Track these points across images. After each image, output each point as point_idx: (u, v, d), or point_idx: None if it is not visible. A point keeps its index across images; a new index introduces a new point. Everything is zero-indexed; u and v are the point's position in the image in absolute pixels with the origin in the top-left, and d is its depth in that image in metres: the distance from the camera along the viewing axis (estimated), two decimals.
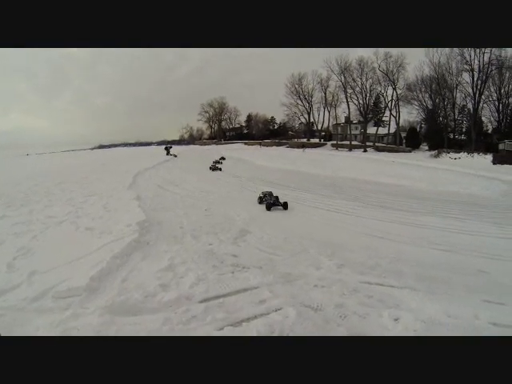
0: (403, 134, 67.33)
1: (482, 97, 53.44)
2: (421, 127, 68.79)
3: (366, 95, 67.60)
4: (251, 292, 3.90)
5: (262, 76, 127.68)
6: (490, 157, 43.91)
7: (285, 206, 8.63)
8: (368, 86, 67.55)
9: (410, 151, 59.28)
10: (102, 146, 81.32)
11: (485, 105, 54.87)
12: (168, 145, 43.06)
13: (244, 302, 3.64)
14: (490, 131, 58.32)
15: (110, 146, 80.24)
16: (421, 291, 4.24)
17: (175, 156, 29.42)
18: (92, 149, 68.90)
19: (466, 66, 54.33)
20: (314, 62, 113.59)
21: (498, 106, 53.87)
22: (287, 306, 3.61)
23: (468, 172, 29.21)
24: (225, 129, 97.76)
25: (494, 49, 50.86)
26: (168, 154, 37.48)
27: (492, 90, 53.61)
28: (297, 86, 77.44)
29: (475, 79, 53.33)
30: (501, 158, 42.53)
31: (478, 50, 51.97)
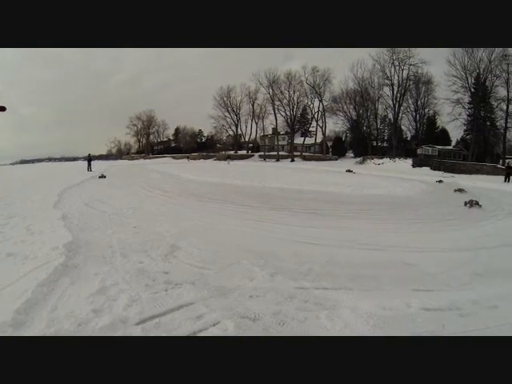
0: (330, 143, 70.65)
1: (401, 108, 60.12)
2: (346, 136, 72.77)
3: (293, 107, 70.24)
4: (187, 308, 3.87)
5: (191, 88, 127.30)
6: (410, 161, 47.68)
7: None
8: (295, 99, 70.26)
9: (337, 159, 62.48)
10: (24, 161, 75.87)
11: (404, 115, 61.71)
12: (89, 157, 36.08)
13: (181, 320, 3.60)
14: (409, 138, 63.98)
15: (33, 161, 74.98)
16: (355, 290, 4.50)
17: (103, 177, 22.24)
18: (13, 164, 64.11)
19: (386, 81, 60.38)
20: (243, 75, 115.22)
21: (416, 115, 60.50)
22: (224, 318, 3.63)
23: (391, 176, 31.05)
24: (153, 142, 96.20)
25: (411, 66, 56.69)
26: (89, 168, 32.92)
27: (410, 101, 60.70)
28: (225, 98, 78.33)
29: (395, 92, 59.55)
30: (419, 162, 46.48)
31: (397, 67, 58.08)
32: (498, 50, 47.19)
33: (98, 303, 3.94)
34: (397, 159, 50.99)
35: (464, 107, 52.15)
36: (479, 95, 50.06)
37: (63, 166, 49.34)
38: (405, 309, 3.99)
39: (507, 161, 43.02)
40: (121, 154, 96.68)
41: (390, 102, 61.27)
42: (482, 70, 50.00)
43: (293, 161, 64.78)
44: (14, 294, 4.03)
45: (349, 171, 36.61)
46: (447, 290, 4.65)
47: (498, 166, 39.65)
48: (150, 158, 79.34)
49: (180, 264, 5.36)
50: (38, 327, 3.40)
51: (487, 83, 50.49)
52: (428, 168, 42.86)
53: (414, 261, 5.81)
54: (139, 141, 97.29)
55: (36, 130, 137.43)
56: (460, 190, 17.85)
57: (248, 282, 4.67)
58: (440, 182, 23.63)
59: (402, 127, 64.11)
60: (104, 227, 7.82)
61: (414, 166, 46.09)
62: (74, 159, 76.87)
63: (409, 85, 59.04)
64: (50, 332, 3.31)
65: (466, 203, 12.81)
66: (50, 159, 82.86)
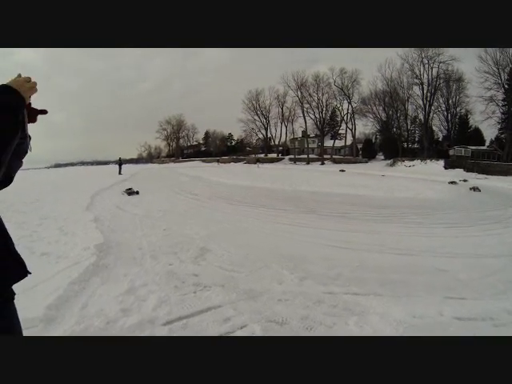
0: (359, 146, 69.95)
1: (432, 108, 58.01)
2: (376, 138, 71.69)
3: (322, 109, 69.99)
4: (215, 311, 3.85)
5: (220, 93, 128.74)
6: (441, 162, 46.40)
7: None
8: (324, 101, 69.96)
9: (367, 162, 61.65)
10: (58, 165, 78.15)
11: (435, 115, 59.65)
12: (119, 161, 36.69)
13: (208, 322, 3.59)
14: (440, 139, 62.16)
15: (66, 165, 77.20)
16: (384, 296, 4.36)
17: (137, 193, 15.49)
18: (48, 167, 66.10)
19: (416, 80, 58.75)
20: (272, 79, 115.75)
21: (447, 115, 58.37)
22: (252, 322, 3.59)
23: (422, 178, 30.52)
24: (183, 146, 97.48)
25: (441, 63, 54.63)
26: (120, 171, 33.36)
27: (441, 101, 58.46)
28: (254, 102, 78.79)
29: (425, 92, 57.72)
30: (452, 163, 45.18)
31: (426, 66, 56.03)
32: None
33: (127, 303, 3.99)
34: (428, 161, 49.66)
35: (498, 105, 49.50)
36: None
37: (95, 169, 50.57)
38: (437, 317, 3.85)
39: None
40: (151, 157, 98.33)
41: (420, 102, 59.52)
42: None
43: (323, 164, 64.35)
44: (46, 290, 4.13)
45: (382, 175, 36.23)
46: (480, 298, 4.47)
47: None
48: (180, 162, 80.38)
49: (209, 266, 5.37)
50: (68, 323, 3.47)
51: None
52: (461, 169, 41.67)
53: (447, 267, 5.62)
54: (169, 145, 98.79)
55: (68, 135, 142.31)
56: (495, 192, 17.34)
57: (277, 285, 4.62)
58: (474, 187, 22.88)
59: (433, 128, 62.21)
60: (134, 229, 7.95)
61: (446, 168, 44.85)
62: (106, 163, 78.70)
63: (439, 83, 57.09)
64: (80, 328, 3.37)
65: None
66: (82, 163, 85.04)
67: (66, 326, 3.40)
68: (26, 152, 1.51)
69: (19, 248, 1.64)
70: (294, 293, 4.37)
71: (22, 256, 1.63)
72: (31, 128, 1.49)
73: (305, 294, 4.36)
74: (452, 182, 25.27)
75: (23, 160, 1.54)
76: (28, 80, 1.49)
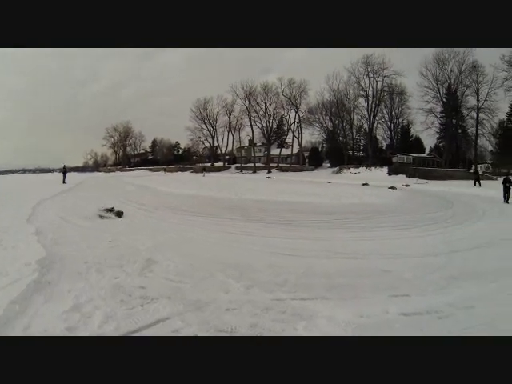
0: (306, 154, 71.51)
1: (376, 118, 62.57)
2: (322, 147, 74.02)
3: (269, 118, 71.36)
4: (163, 323, 3.85)
5: (168, 100, 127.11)
6: (385, 169, 48.84)
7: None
8: (272, 110, 71.45)
9: (313, 169, 63.53)
10: None
11: (379, 125, 64.47)
12: (64, 168, 34.72)
13: (157, 335, 3.57)
14: (384, 147, 65.79)
15: (6, 172, 72.47)
16: (332, 299, 4.57)
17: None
18: None
19: (361, 92, 62.44)
20: (222, 88, 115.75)
21: (390, 125, 62.94)
22: (201, 332, 3.62)
23: (367, 184, 31.57)
24: (130, 155, 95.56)
25: (385, 77, 59.27)
26: (64, 180, 32.35)
27: (384, 112, 63.29)
28: (202, 110, 78.87)
29: (370, 103, 61.81)
30: (395, 170, 47.67)
31: (372, 79, 60.28)
32: (468, 62, 49.57)
33: (73, 320, 3.87)
34: (373, 168, 52.36)
35: (436, 116, 55.69)
36: (451, 105, 53.31)
37: (37, 177, 48.36)
38: (383, 315, 4.08)
39: (472, 166, 44.85)
40: (97, 166, 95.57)
41: (365, 113, 63.42)
42: (452, 81, 53.34)
43: (270, 172, 65.08)
44: None
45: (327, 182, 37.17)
46: (424, 294, 4.79)
47: (470, 171, 41.06)
48: (126, 171, 78.71)
49: (156, 278, 5.33)
50: None
51: (458, 93, 53.81)
52: (403, 175, 43.97)
53: (391, 267, 5.95)
54: (116, 153, 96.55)
55: (8, 136, 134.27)
56: (434, 196, 18.39)
57: (223, 294, 4.68)
58: (411, 188, 24.41)
59: (378, 137, 66.40)
60: (79, 241, 7.69)
61: (389, 174, 47.22)
62: (49, 170, 75.32)
63: (383, 96, 61.24)
64: None
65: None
66: (24, 170, 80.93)
67: None
68: None
69: None
70: (241, 301, 4.45)
71: None
72: None
73: (252, 301, 4.45)
74: (392, 187, 26.57)
75: None
76: None
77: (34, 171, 79.66)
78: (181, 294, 4.69)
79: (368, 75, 61.27)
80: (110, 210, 11.68)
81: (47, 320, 3.91)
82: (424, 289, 4.98)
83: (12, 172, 76.23)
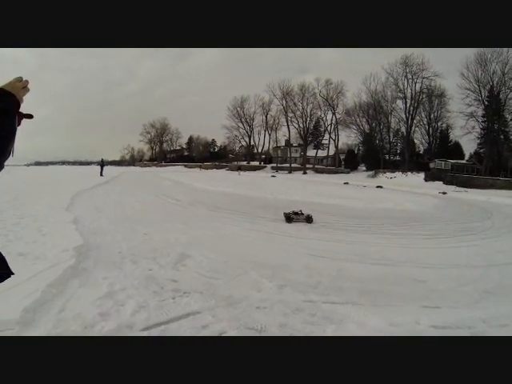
0: (342, 156, 70.53)
1: (414, 121, 60.21)
2: (358, 149, 72.79)
3: (306, 119, 70.77)
4: (193, 317, 3.85)
5: (205, 99, 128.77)
6: (422, 175, 47.41)
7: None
8: (308, 111, 70.92)
9: (349, 172, 62.59)
10: (38, 163, 76.64)
11: (416, 128, 61.75)
12: (102, 162, 35.88)
13: (186, 328, 3.58)
14: (421, 152, 63.49)
15: (47, 164, 75.69)
16: (363, 305, 4.44)
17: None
18: (28, 165, 64.72)
19: (399, 94, 60.31)
20: (258, 87, 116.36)
21: (428, 129, 60.26)
22: (230, 329, 3.60)
23: (403, 189, 30.92)
24: (166, 150, 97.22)
25: (424, 79, 56.34)
26: (102, 173, 33.09)
27: (423, 115, 60.64)
28: (239, 109, 79.29)
29: (408, 106, 59.64)
30: (432, 176, 46.21)
31: (410, 80, 57.82)
32: (511, 63, 46.91)
33: (106, 307, 3.94)
34: (409, 173, 50.89)
35: (477, 120, 52.47)
36: (493, 108, 49.90)
37: (76, 170, 49.94)
38: (413, 325, 3.93)
39: None
40: (134, 160, 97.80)
41: (403, 116, 61.58)
42: (495, 83, 50.05)
43: (305, 173, 64.86)
44: (23, 293, 4.05)
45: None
46: (456, 307, 4.59)
47: None
48: (162, 166, 79.97)
49: (189, 272, 5.35)
50: (44, 327, 3.42)
51: (501, 96, 50.34)
52: (441, 182, 42.66)
53: (424, 277, 5.75)
54: (152, 148, 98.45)
55: (51, 133, 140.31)
56: (472, 205, 17.75)
57: (255, 293, 4.64)
58: (449, 196, 23.49)
59: (415, 141, 64.30)
60: (114, 232, 7.88)
61: (426, 180, 45.92)
62: (88, 164, 77.74)
63: (422, 98, 59.22)
64: (57, 332, 3.33)
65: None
66: (63, 162, 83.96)
67: (42, 330, 3.35)
68: (9, 156, 1.45)
69: None
70: (272, 300, 4.40)
71: None
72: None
73: (284, 301, 4.39)
74: (433, 195, 25.80)
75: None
76: (20, 80, 1.49)
77: (73, 163, 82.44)
78: (213, 289, 4.68)
79: (406, 76, 59.72)
80: None
81: (81, 304, 4.00)
82: (457, 301, 4.77)
83: (52, 163, 79.16)
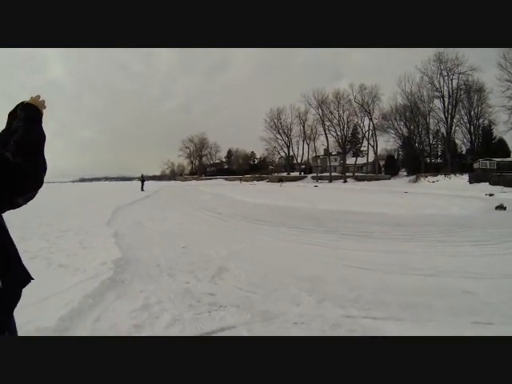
0: (382, 162, 69.18)
1: (454, 120, 57.16)
2: (398, 154, 71.09)
3: (343, 127, 70.15)
4: (228, 332, 3.77)
5: (241, 112, 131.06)
6: (466, 177, 45.47)
7: None
8: (345, 118, 70.33)
9: (390, 178, 61.13)
10: (83, 180, 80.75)
11: (457, 128, 58.76)
12: (142, 177, 37.25)
13: None
14: (464, 152, 60.67)
15: (91, 180, 79.79)
16: (406, 320, 4.16)
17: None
18: (73, 182, 68.19)
19: (436, 93, 57.95)
20: (292, 96, 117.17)
21: (470, 127, 57.15)
22: None
23: (446, 193, 29.96)
24: (205, 164, 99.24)
25: (461, 74, 53.71)
26: (142, 188, 34.06)
27: (462, 113, 57.47)
28: (276, 120, 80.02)
29: (446, 104, 56.80)
30: (476, 177, 44.12)
31: (446, 77, 55.25)
32: None
33: (141, 319, 3.97)
34: (452, 175, 48.70)
35: None
36: None
37: (118, 185, 51.53)
38: None
39: None
40: (174, 175, 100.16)
41: (442, 115, 58.90)
42: None
43: (345, 182, 64.13)
44: (61, 302, 4.16)
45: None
46: (510, 323, 4.18)
47: None
48: (202, 180, 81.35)
49: (226, 286, 5.30)
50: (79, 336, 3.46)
51: None
52: (486, 183, 40.60)
53: (474, 289, 5.34)
54: (192, 162, 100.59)
55: (94, 152, 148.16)
56: None
57: (293, 307, 4.50)
58: (496, 197, 22.05)
59: (456, 141, 61.19)
60: (152, 246, 8.00)
61: (470, 182, 43.83)
62: (129, 179, 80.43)
63: (460, 95, 56.37)
64: None
65: None
66: (106, 178, 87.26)
67: None
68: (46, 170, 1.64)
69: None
70: (310, 316, 4.24)
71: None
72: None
73: (322, 316, 4.22)
74: (479, 197, 24.56)
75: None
76: (39, 97, 1.78)
77: (115, 179, 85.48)
78: (250, 303, 4.59)
79: (441, 74, 56.98)
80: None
81: (117, 315, 4.04)
82: (511, 316, 4.32)
83: (97, 180, 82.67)
